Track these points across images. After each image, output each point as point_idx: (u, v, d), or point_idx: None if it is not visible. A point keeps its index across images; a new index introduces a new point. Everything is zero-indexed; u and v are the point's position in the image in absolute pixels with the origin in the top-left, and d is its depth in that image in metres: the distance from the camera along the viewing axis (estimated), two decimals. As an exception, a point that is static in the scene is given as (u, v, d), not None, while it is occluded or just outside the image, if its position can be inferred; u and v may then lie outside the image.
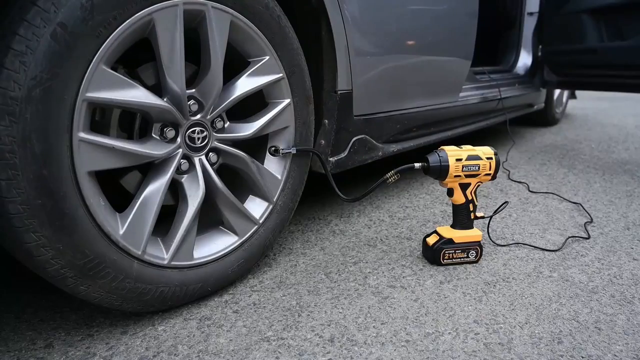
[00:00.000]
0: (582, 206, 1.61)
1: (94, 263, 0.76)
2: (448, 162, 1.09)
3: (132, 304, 0.86)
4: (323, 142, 1.21)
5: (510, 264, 1.17)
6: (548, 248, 1.26)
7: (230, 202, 0.99)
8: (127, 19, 0.73)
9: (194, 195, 0.93)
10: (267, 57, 0.99)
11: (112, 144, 0.76)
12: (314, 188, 1.79)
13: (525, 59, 2.67)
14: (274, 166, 1.09)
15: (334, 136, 1.22)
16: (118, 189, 0.96)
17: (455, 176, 1.11)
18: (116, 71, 0.76)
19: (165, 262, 0.88)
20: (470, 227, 1.17)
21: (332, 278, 1.10)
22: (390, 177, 1.08)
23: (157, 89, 0.85)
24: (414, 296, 1.02)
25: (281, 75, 1.02)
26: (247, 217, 1.03)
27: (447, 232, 1.16)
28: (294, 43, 1.03)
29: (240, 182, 1.07)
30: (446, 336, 0.87)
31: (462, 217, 1.16)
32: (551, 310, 0.96)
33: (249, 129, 1.00)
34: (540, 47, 2.56)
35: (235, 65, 0.99)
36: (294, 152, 1.08)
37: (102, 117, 0.90)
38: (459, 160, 1.10)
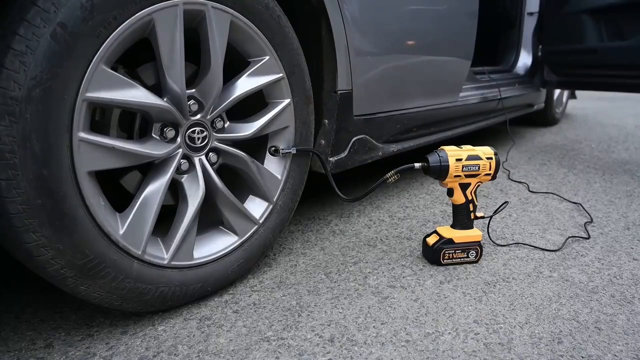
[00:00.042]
0: (582, 206, 1.61)
1: (94, 263, 0.76)
2: (448, 162, 1.09)
3: (132, 304, 0.86)
4: (323, 142, 1.21)
5: (510, 264, 1.17)
6: (548, 248, 1.26)
7: (230, 202, 0.99)
8: (127, 19, 0.73)
9: (194, 195, 0.93)
10: (267, 57, 0.99)
11: (112, 144, 0.76)
12: (314, 188, 1.79)
13: (525, 59, 2.67)
14: (274, 166, 1.09)
15: (334, 136, 1.22)
16: (118, 189, 0.96)
17: (455, 176, 1.11)
18: (116, 71, 0.76)
19: (165, 262, 0.88)
20: (470, 227, 1.17)
21: (332, 278, 1.10)
22: (390, 177, 1.08)
23: (157, 89, 0.85)
24: (414, 296, 1.02)
25: (281, 75, 1.02)
26: (247, 217, 1.03)
27: (447, 232, 1.16)
28: (294, 43, 1.03)
29: (240, 182, 1.07)
30: (446, 336, 0.87)
31: (462, 217, 1.16)
32: (551, 310, 0.96)
33: (249, 129, 1.00)
34: (540, 47, 2.56)
35: (235, 65, 0.99)
36: (294, 152, 1.08)
37: (102, 117, 0.90)
38: (459, 160, 1.10)
